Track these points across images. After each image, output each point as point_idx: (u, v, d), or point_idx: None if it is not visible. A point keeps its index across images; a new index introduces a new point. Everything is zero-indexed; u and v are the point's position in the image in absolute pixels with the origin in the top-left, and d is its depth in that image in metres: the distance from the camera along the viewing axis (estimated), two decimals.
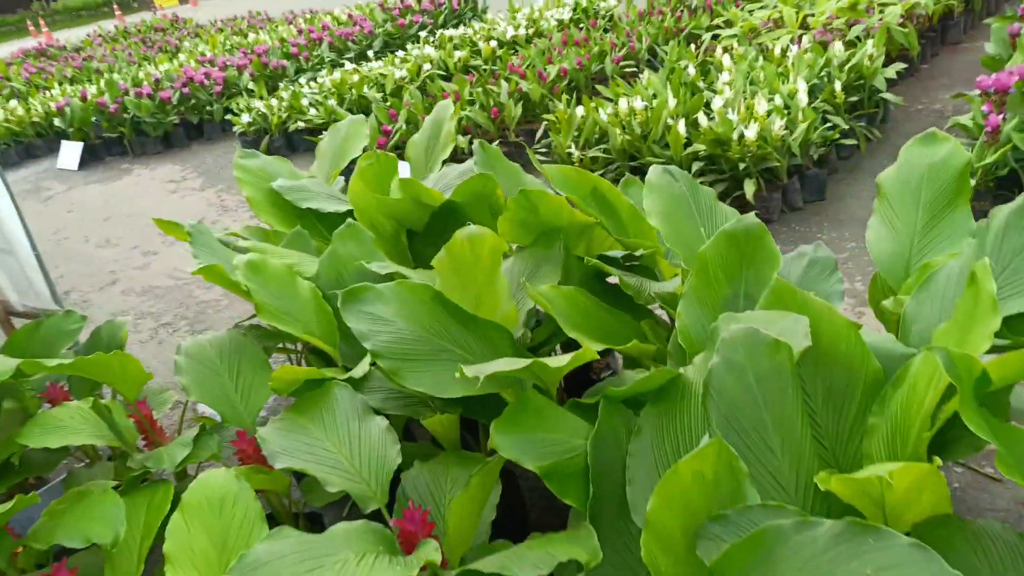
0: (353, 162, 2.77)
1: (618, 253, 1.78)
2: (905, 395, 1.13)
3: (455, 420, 1.50)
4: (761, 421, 1.02)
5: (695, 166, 3.26)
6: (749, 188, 3.09)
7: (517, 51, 6.08)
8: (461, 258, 1.46)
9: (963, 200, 1.67)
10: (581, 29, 6.43)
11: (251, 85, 6.92)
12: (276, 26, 10.59)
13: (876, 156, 3.75)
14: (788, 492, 1.00)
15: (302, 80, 6.64)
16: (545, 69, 4.87)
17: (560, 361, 1.13)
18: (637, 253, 1.82)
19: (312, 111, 5.57)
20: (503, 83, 4.69)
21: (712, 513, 0.98)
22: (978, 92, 3.34)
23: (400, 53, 6.78)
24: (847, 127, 3.51)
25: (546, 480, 1.05)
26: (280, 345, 2.11)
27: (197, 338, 1.87)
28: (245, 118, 5.84)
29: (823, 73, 3.79)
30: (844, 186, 3.51)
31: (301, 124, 5.58)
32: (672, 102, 3.57)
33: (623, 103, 3.60)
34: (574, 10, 7.77)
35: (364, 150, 2.65)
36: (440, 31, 7.92)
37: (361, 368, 1.61)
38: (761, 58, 4.36)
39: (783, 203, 3.26)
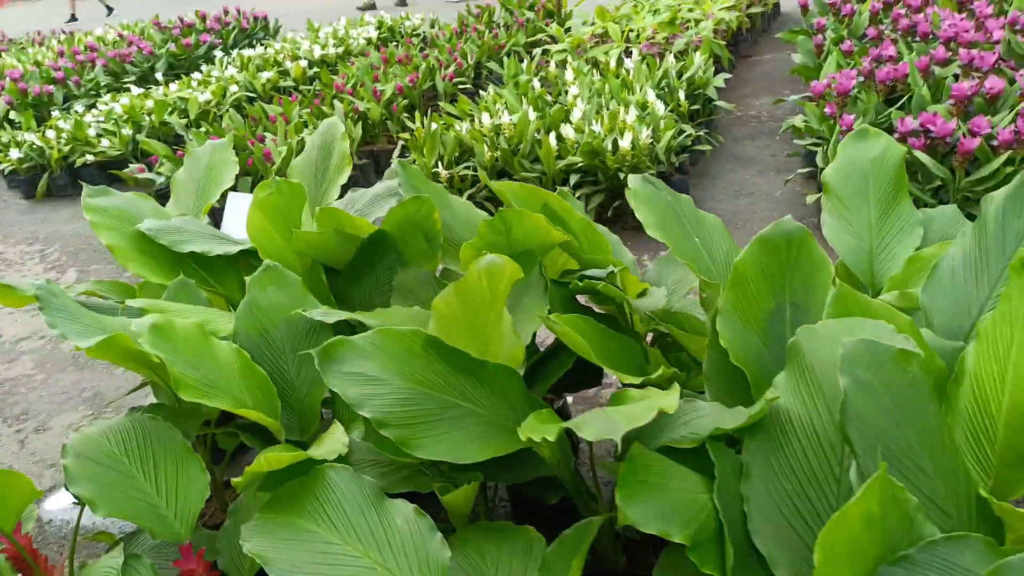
0: (224, 196, 2.40)
1: (599, 272, 1.64)
2: (972, 392, 1.10)
3: (475, 489, 1.26)
4: (907, 442, 0.93)
5: (573, 178, 3.22)
6: (632, 198, 3.09)
7: (336, 70, 5.74)
8: (476, 295, 1.23)
9: (904, 192, 1.73)
10: (396, 47, 6.24)
11: (12, 115, 5.89)
12: (24, 48, 9.18)
13: (718, 160, 3.97)
14: (952, 516, 0.91)
15: (78, 108, 5.76)
16: (378, 87, 4.62)
17: (669, 401, 0.96)
18: (605, 271, 1.69)
19: (104, 142, 4.83)
20: (336, 104, 4.37)
21: (885, 556, 0.87)
22: (806, 96, 3.65)
23: (196, 75, 6.14)
24: (698, 134, 3.67)
25: (692, 552, 0.88)
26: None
27: (86, 431, 1.44)
28: (14, 154, 4.92)
29: (663, 84, 3.94)
30: (701, 190, 3.66)
31: (90, 157, 4.81)
32: (533, 116, 3.51)
33: (485, 118, 3.48)
34: (379, 28, 7.56)
35: (236, 179, 2.28)
36: (234, 51, 7.32)
37: (338, 441, 1.32)
38: (596, 72, 4.47)
39: None
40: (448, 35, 6.20)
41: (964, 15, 3.81)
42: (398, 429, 1.20)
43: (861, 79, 3.14)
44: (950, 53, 3.35)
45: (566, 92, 3.96)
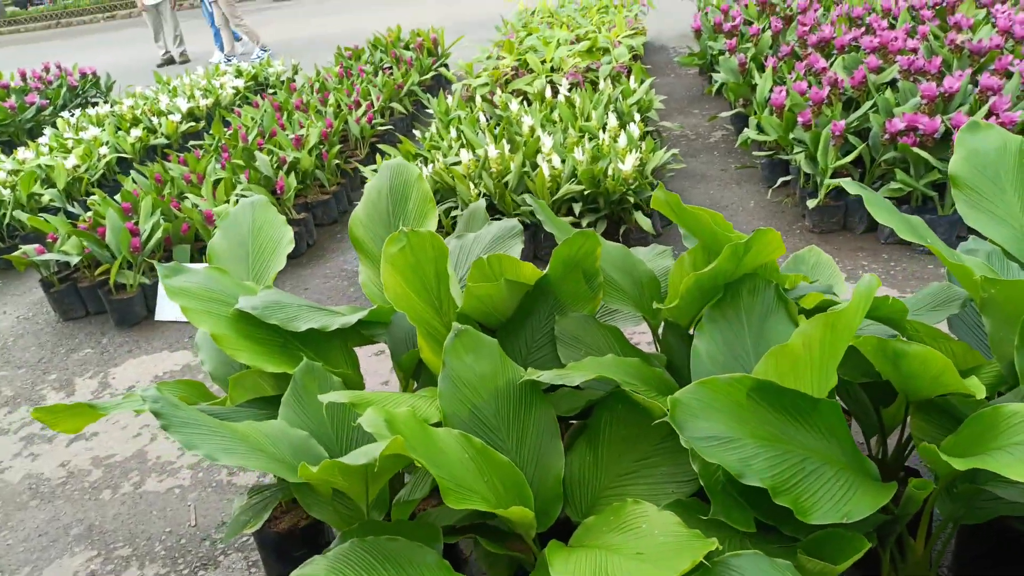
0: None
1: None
2: None
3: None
4: None
5: (576, 207, 3.10)
6: (645, 221, 3.04)
7: (227, 122, 5.21)
8: (838, 328, 1.07)
9: None
10: (275, 94, 5.81)
11: None
12: None
13: (675, 179, 4.02)
14: None
15: None
16: (300, 134, 4.24)
17: None
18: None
19: None
20: (261, 155, 3.95)
21: None
22: (737, 112, 3.80)
23: (43, 139, 5.34)
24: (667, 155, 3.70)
25: None
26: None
27: (307, 572, 1.09)
28: None
29: (612, 109, 3.95)
30: None
31: None
32: (506, 149, 3.36)
33: (464, 155, 3.28)
34: (239, 76, 7.04)
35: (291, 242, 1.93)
36: (65, 112, 6.47)
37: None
38: (526, 103, 4.41)
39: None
40: (335, 78, 5.87)
41: (863, 29, 4.18)
42: (787, 495, 1.02)
43: (828, 88, 3.32)
44: (881, 61, 3.64)
45: (517, 123, 3.86)
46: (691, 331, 1.69)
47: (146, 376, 2.97)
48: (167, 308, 3.43)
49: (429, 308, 1.56)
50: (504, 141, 3.39)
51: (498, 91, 4.48)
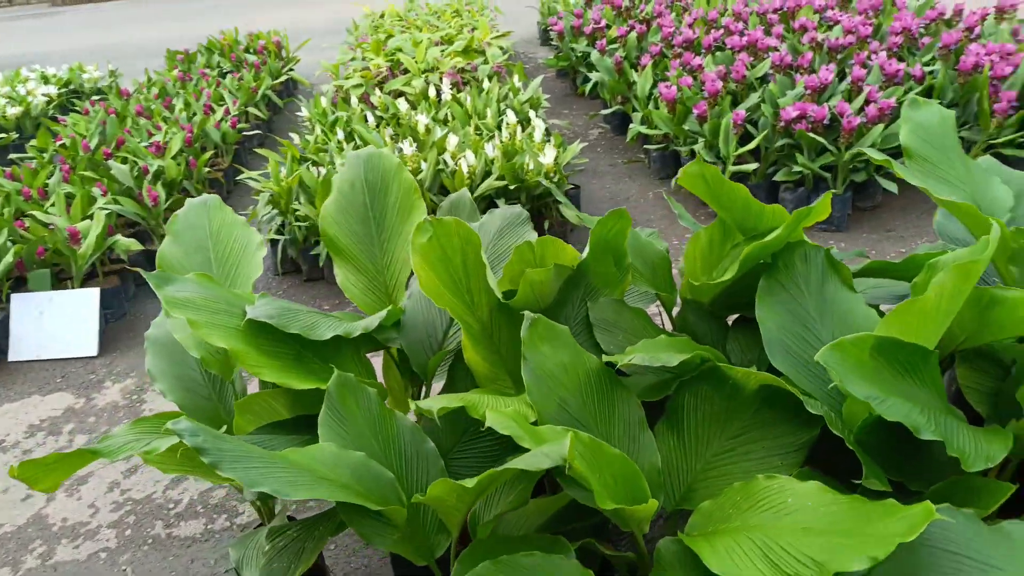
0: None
1: None
2: None
3: None
4: None
5: (499, 203, 3.01)
6: (569, 212, 3.01)
7: (53, 131, 4.51)
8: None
9: (960, 148, 1.97)
10: (97, 101, 5.15)
11: None
12: None
13: (572, 174, 4.05)
14: None
15: None
16: (158, 140, 3.77)
17: None
18: None
19: None
20: (117, 164, 3.46)
21: None
22: (617, 108, 3.93)
23: None
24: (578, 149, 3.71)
25: None
26: None
27: None
28: None
29: (503, 107, 3.91)
30: (588, 202, 3.70)
31: None
32: (413, 148, 3.21)
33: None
34: (47, 82, 6.21)
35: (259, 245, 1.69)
36: None
37: None
38: (405, 102, 4.26)
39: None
40: (175, 82, 5.32)
41: (721, 31, 4.47)
42: (950, 446, 1.01)
43: (722, 82, 3.49)
44: (752, 58, 3.90)
45: (406, 122, 3.69)
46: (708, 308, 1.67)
47: (19, 426, 2.48)
48: (25, 345, 2.90)
49: (459, 302, 1.41)
50: (407, 140, 3.23)
51: (377, 92, 4.28)
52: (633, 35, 4.75)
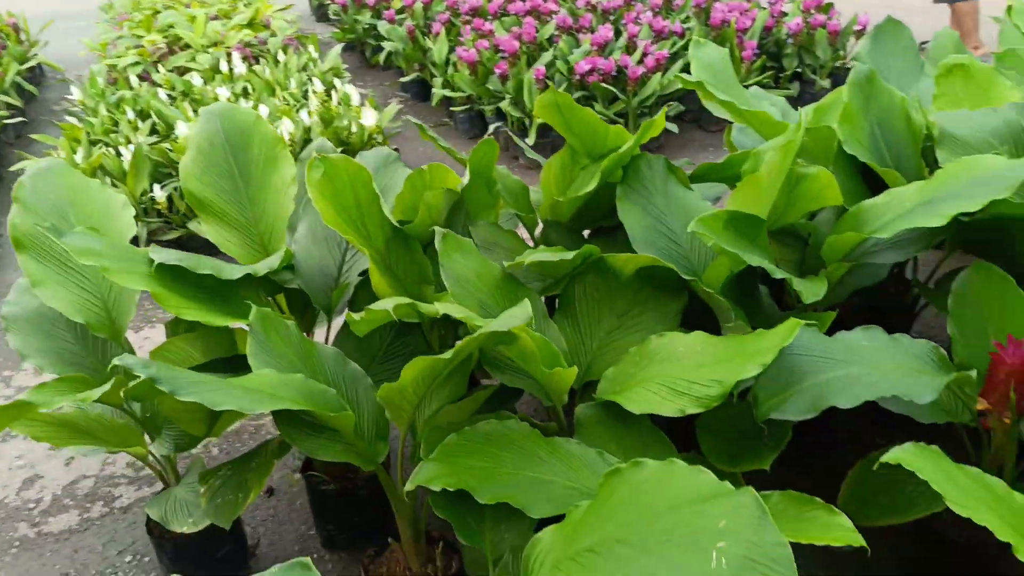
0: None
1: None
2: None
3: None
4: None
5: None
6: None
7: None
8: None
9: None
10: None
11: None
12: None
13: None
14: None
15: None
16: None
17: None
18: None
19: None
20: None
21: None
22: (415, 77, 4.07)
23: None
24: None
25: None
26: None
27: None
28: None
29: (305, 77, 3.87)
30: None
31: None
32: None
33: (183, 128, 2.93)
34: None
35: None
36: None
37: None
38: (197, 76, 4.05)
39: None
40: None
41: None
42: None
43: (517, 42, 3.73)
44: (536, 22, 4.21)
45: (202, 98, 3.54)
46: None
47: None
48: None
49: (354, 233, 1.49)
50: None
51: (160, 69, 4.00)
52: (419, 4, 4.88)
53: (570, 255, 1.40)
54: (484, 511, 1.09)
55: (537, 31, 4.02)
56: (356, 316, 1.24)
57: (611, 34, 3.73)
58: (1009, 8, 2.58)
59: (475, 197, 1.68)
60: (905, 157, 1.76)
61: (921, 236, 1.49)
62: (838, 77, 3.95)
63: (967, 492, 0.96)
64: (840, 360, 1.21)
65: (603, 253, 1.62)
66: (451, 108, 4.11)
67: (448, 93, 3.98)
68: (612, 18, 4.23)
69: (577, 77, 3.48)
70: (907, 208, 1.42)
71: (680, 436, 1.34)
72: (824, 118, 1.90)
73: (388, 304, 1.17)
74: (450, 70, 4.11)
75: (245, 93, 3.71)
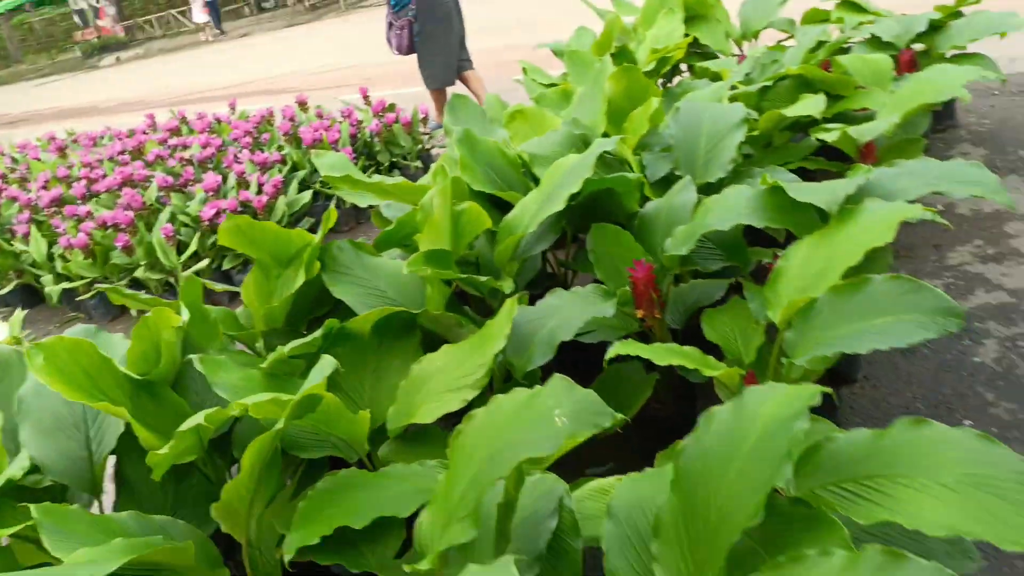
0: None
1: None
2: None
3: None
4: None
5: None
6: None
7: None
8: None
9: None
10: None
11: None
12: None
13: None
14: None
15: None
16: None
17: None
18: None
19: None
20: None
21: None
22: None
23: None
24: None
25: None
26: None
27: None
28: None
29: None
30: None
31: None
32: None
33: None
34: None
35: None
36: None
37: None
38: None
39: None
40: None
41: (82, 180, 4.58)
42: None
43: (130, 211, 3.66)
44: (135, 190, 4.18)
45: None
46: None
47: None
48: None
49: (102, 401, 1.49)
50: None
51: None
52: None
53: (319, 332, 1.59)
54: (358, 541, 1.23)
55: (143, 196, 4.01)
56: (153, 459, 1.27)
57: (219, 178, 3.91)
58: (524, 69, 3.45)
59: (199, 330, 1.77)
60: (514, 181, 2.30)
61: (554, 222, 2.01)
62: (425, 157, 4.67)
63: None
64: (549, 316, 1.62)
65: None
66: (76, 299, 3.85)
67: (68, 285, 3.73)
68: (211, 166, 4.40)
69: (207, 223, 3.58)
70: (537, 207, 1.92)
71: None
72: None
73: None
74: (59, 264, 3.86)
75: None
